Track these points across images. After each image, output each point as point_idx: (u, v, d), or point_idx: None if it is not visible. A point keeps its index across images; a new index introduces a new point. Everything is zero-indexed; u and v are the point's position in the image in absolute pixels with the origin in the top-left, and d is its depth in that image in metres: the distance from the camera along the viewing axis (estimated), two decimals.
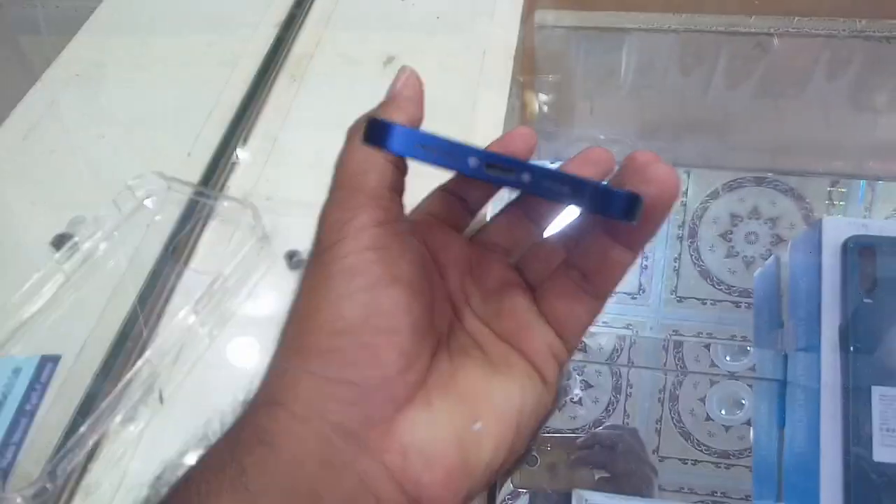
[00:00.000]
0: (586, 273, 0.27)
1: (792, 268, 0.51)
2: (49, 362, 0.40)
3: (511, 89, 0.53)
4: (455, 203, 0.32)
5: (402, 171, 0.27)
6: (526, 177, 0.21)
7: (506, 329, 0.29)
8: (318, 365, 0.23)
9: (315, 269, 0.25)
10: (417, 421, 0.24)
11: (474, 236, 0.33)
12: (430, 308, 0.26)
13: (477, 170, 0.21)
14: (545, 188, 0.21)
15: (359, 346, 0.23)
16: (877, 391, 0.45)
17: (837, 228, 0.48)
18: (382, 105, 0.28)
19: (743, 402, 0.61)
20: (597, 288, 0.27)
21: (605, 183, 0.21)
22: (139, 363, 0.38)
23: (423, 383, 0.25)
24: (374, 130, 0.22)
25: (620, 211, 0.21)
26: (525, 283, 0.30)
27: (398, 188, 0.26)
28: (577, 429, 0.58)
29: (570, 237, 0.31)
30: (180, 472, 0.25)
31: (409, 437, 0.24)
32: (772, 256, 0.56)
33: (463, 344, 0.28)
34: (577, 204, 0.21)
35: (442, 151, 0.21)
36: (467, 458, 0.24)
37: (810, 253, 0.49)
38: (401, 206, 0.26)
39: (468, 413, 0.25)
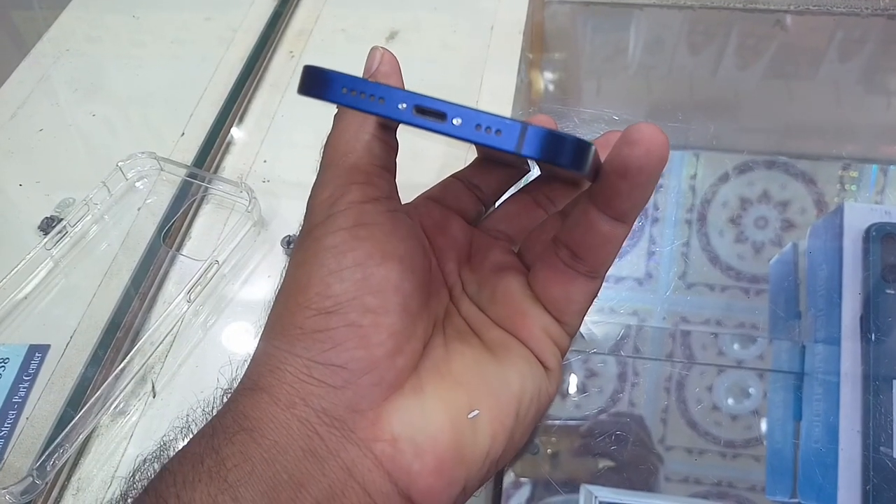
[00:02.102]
0: (575, 250, 0.25)
1: (810, 256, 0.50)
2: (37, 352, 0.38)
3: (520, 67, 0.51)
4: (464, 191, 0.31)
5: (391, 148, 0.26)
6: (457, 121, 0.19)
7: (501, 314, 0.27)
8: (303, 346, 0.22)
9: (304, 246, 0.23)
10: (407, 407, 0.23)
11: (480, 223, 0.31)
12: (423, 288, 0.25)
13: (406, 114, 0.19)
14: (480, 135, 0.19)
15: (346, 326, 0.22)
16: None
17: (859, 215, 0.47)
18: None
19: (751, 391, 0.60)
20: (588, 266, 0.25)
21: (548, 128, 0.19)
22: (131, 353, 0.37)
23: (414, 368, 0.24)
24: (306, 79, 0.20)
25: (565, 158, 0.19)
26: (525, 266, 0.29)
27: (388, 166, 0.25)
28: (581, 417, 0.57)
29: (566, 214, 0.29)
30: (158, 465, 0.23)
31: (399, 424, 0.22)
32: (789, 244, 0.54)
33: (459, 330, 0.27)
34: (518, 152, 0.19)
35: (370, 96, 0.19)
36: (462, 446, 0.23)
37: (830, 240, 0.47)
38: (392, 184, 0.25)
39: (463, 400, 0.24)
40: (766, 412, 0.52)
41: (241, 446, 0.21)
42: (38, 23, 0.61)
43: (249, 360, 0.24)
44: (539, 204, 0.31)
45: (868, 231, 0.45)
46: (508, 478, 0.66)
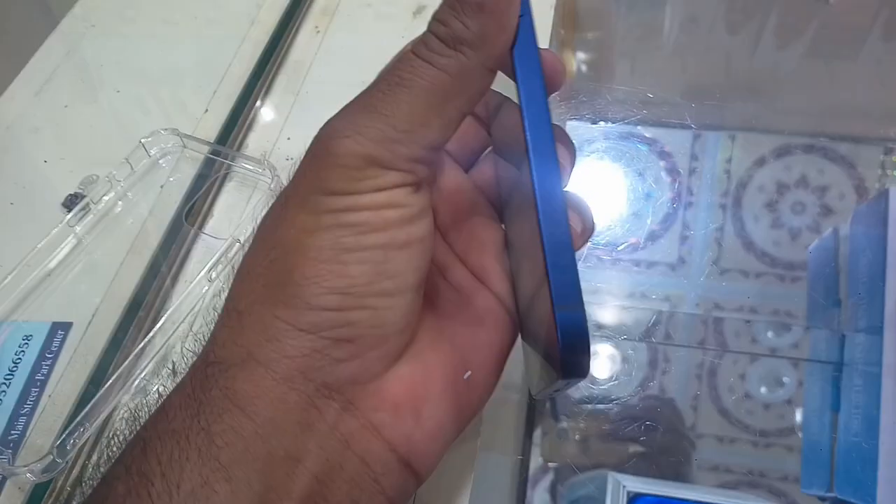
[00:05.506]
0: None
1: (852, 242, 0.48)
2: (60, 329, 0.38)
3: (552, 43, 0.49)
4: None
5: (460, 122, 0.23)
6: None
7: (476, 265, 0.27)
8: (309, 322, 0.21)
9: (315, 207, 0.21)
10: (409, 375, 0.23)
11: None
12: (430, 259, 0.24)
13: None
14: None
15: (361, 308, 0.21)
16: None
17: None
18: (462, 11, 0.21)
19: (784, 380, 0.58)
20: None
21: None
22: (152, 332, 0.36)
23: (415, 335, 0.24)
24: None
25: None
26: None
27: (443, 146, 0.23)
28: (611, 403, 0.55)
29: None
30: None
31: (401, 392, 0.22)
32: (829, 229, 0.52)
33: (439, 284, 0.26)
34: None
35: None
36: (459, 408, 0.23)
37: (873, 226, 0.45)
38: (436, 164, 0.24)
39: (458, 362, 0.24)
40: (803, 403, 0.51)
41: (231, 422, 0.20)
42: None
43: (231, 317, 0.23)
44: (481, 122, 0.29)
45: None
46: (536, 462, 0.65)
